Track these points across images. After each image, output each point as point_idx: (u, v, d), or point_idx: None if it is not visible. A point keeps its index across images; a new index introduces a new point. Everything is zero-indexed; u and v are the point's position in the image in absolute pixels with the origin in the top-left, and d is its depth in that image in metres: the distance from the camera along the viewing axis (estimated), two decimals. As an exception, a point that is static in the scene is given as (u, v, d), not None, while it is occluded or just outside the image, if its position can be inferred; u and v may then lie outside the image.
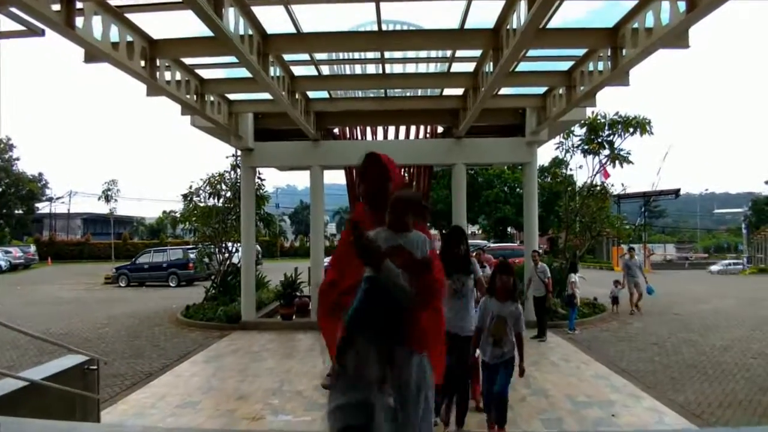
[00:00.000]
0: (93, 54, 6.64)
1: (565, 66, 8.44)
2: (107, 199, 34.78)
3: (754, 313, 13.59)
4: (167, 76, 7.60)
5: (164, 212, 15.76)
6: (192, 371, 7.92)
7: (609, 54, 7.05)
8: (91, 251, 46.52)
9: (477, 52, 7.93)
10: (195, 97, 8.60)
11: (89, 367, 5.46)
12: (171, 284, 22.78)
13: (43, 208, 53.46)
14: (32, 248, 38.84)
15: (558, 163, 38.87)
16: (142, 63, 6.93)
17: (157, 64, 7.16)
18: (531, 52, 7.84)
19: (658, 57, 7.11)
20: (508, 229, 44.98)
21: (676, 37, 6.35)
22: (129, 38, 6.54)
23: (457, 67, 8.60)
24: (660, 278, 27.14)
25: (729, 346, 9.54)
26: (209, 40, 6.64)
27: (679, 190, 31.90)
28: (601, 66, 7.45)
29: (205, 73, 8.59)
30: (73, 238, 49.68)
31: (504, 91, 9.73)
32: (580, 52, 7.94)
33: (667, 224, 70.79)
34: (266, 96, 8.61)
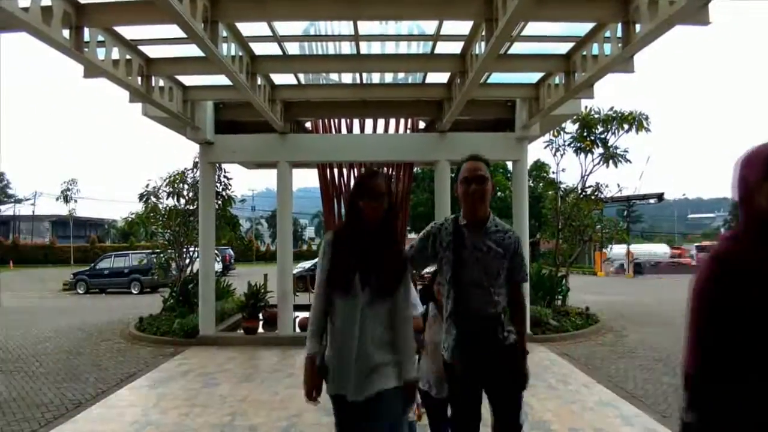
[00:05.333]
0: (4, 20, 5.51)
1: (563, 49, 7.47)
2: (66, 199, 32.98)
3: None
4: (101, 52, 6.43)
5: (130, 213, 14.48)
6: (130, 400, 6.70)
7: (618, 32, 6.09)
8: (57, 255, 44.67)
9: (465, 29, 6.90)
10: (140, 79, 7.43)
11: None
12: (133, 291, 21.34)
13: (5, 209, 51.18)
14: (-9, 252, 36.86)
15: (539, 166, 38.38)
16: (66, 32, 5.77)
17: (86, 34, 5.99)
18: (526, 31, 6.86)
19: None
20: (490, 233, 44.12)
21: (696, 10, 5.48)
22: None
23: (442, 48, 7.55)
24: (644, 283, 26.55)
25: (739, 363, 8.65)
26: (142, 2, 5.53)
27: (662, 194, 31.35)
28: (607, 48, 6.49)
29: (152, 51, 7.42)
30: (38, 241, 47.59)
31: (493, 79, 8.74)
32: (581, 31, 6.99)
33: (643, 229, 71.11)
34: (226, 81, 7.47)
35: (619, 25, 6.02)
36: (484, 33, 6.18)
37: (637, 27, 5.85)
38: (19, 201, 53.23)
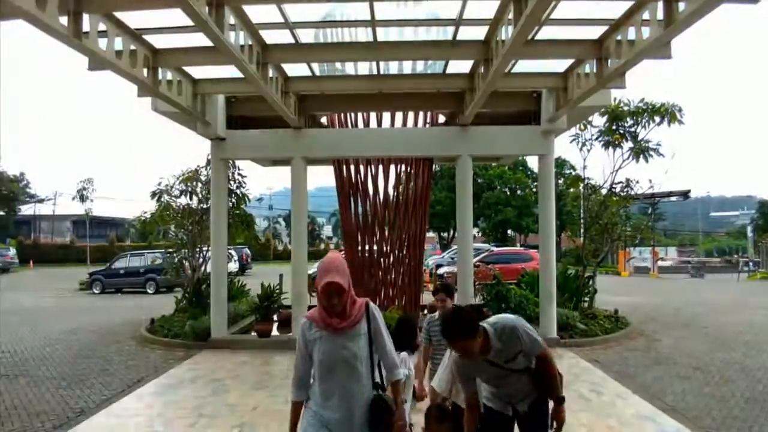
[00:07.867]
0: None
1: (595, 33, 6.94)
2: (82, 198, 32.95)
3: (794, 326, 12.09)
4: (103, 41, 6.07)
5: (143, 212, 14.15)
6: (135, 408, 6.35)
7: (659, 12, 5.56)
8: (76, 254, 44.87)
9: (490, 12, 6.42)
10: (146, 71, 7.07)
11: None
12: (149, 291, 21.16)
13: (26, 209, 51.68)
14: (11, 251, 37.11)
15: (560, 163, 37.38)
16: (64, 20, 5.41)
17: (86, 22, 5.62)
18: (554, 14, 6.34)
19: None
20: (509, 231, 43.54)
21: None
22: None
23: (464, 33, 7.06)
24: (670, 283, 25.66)
25: (784, 371, 8.04)
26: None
27: (689, 191, 30.23)
28: (645, 31, 5.96)
29: (158, 41, 7.05)
30: (58, 241, 47.96)
31: (518, 68, 8.24)
32: (616, 13, 6.47)
33: (666, 227, 69.46)
34: (237, 73, 7.08)
35: (661, 3, 5.50)
36: (511, 15, 5.71)
37: (681, 5, 5.33)
38: (41, 201, 53.60)
